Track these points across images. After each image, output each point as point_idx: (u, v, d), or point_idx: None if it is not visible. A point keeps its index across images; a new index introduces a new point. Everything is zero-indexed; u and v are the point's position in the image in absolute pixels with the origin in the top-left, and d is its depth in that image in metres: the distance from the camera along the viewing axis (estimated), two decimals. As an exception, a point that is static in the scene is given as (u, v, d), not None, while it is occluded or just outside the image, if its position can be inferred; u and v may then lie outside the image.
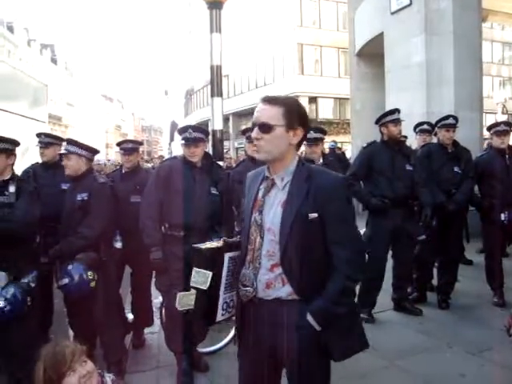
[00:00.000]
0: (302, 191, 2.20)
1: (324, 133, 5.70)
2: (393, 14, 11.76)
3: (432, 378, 4.06)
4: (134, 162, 5.16)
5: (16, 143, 4.03)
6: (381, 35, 12.60)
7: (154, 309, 5.26)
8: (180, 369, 4.16)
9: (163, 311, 4.57)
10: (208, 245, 2.41)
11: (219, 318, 2.42)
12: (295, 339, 2.20)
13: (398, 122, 5.44)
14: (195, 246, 2.43)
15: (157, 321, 5.17)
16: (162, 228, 4.27)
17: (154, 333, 5.24)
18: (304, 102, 35.05)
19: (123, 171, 5.18)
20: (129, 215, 4.48)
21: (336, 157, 12.43)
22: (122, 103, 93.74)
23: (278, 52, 35.46)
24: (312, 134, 5.41)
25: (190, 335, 4.22)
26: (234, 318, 2.50)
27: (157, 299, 5.14)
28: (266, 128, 2.20)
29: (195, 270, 2.32)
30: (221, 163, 5.35)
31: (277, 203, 2.25)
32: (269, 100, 2.24)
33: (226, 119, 39.19)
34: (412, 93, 10.91)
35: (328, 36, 34.73)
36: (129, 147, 5.11)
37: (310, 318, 2.18)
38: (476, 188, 6.13)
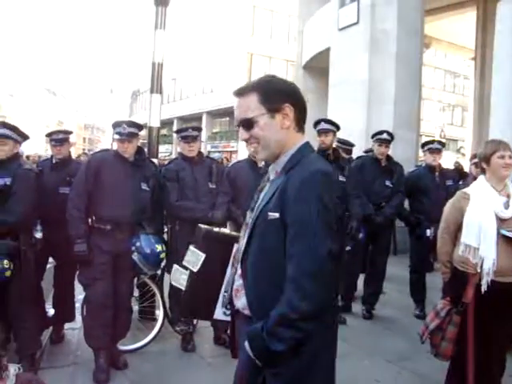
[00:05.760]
0: (275, 186, 1.86)
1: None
2: (340, 30, 12.03)
3: (348, 383, 4.13)
4: (65, 153, 4.98)
5: None
6: (327, 50, 12.88)
7: (77, 304, 5.11)
8: (97, 365, 4.06)
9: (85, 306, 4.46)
10: (218, 229, 2.30)
11: (218, 315, 2.12)
12: (240, 362, 1.93)
13: (327, 131, 5.45)
14: (202, 225, 2.28)
15: (78, 317, 5.03)
16: (89, 220, 4.18)
17: (75, 329, 5.10)
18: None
19: (54, 161, 4.99)
20: (56, 206, 4.36)
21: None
22: (65, 98, 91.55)
23: (228, 60, 35.48)
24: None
25: (111, 331, 4.15)
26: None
27: (81, 295, 5.01)
28: (248, 124, 1.88)
29: (191, 248, 2.17)
30: (155, 161, 5.29)
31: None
32: (239, 92, 1.92)
33: (170, 123, 38.72)
34: (354, 109, 11.13)
35: (278, 48, 35.08)
36: (59, 138, 4.89)
37: (246, 343, 1.80)
38: (406, 203, 6.30)
